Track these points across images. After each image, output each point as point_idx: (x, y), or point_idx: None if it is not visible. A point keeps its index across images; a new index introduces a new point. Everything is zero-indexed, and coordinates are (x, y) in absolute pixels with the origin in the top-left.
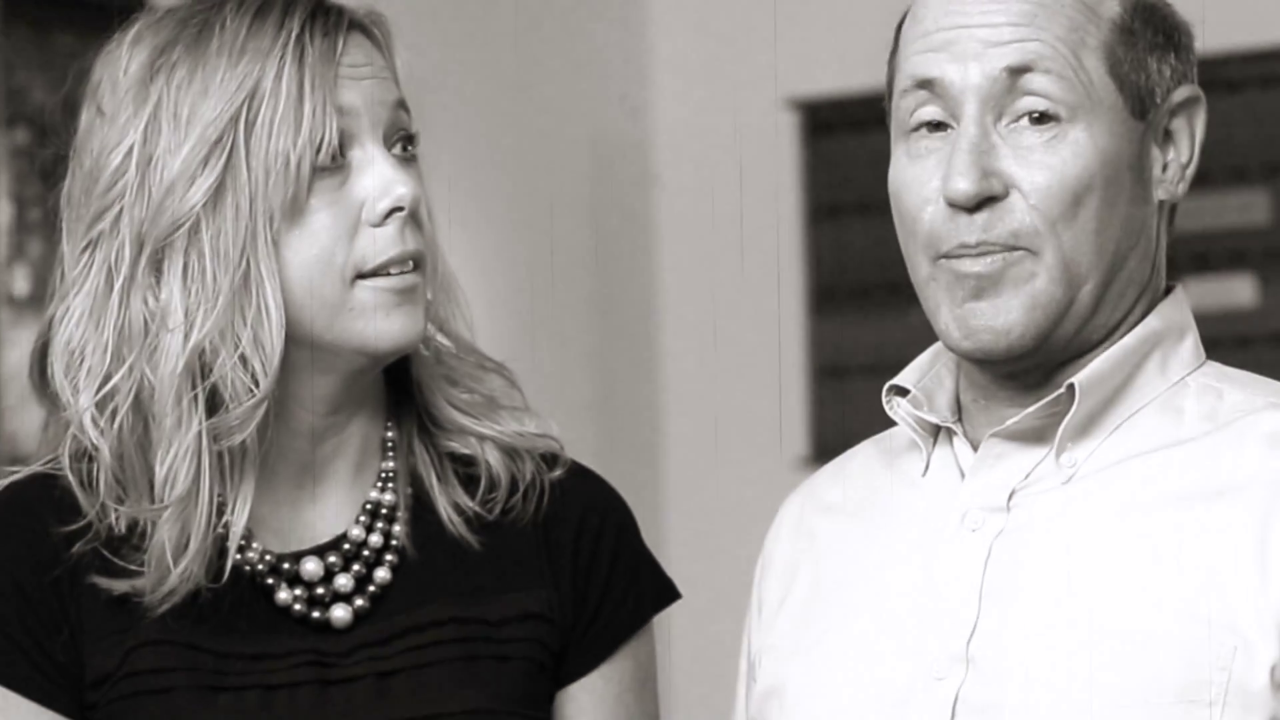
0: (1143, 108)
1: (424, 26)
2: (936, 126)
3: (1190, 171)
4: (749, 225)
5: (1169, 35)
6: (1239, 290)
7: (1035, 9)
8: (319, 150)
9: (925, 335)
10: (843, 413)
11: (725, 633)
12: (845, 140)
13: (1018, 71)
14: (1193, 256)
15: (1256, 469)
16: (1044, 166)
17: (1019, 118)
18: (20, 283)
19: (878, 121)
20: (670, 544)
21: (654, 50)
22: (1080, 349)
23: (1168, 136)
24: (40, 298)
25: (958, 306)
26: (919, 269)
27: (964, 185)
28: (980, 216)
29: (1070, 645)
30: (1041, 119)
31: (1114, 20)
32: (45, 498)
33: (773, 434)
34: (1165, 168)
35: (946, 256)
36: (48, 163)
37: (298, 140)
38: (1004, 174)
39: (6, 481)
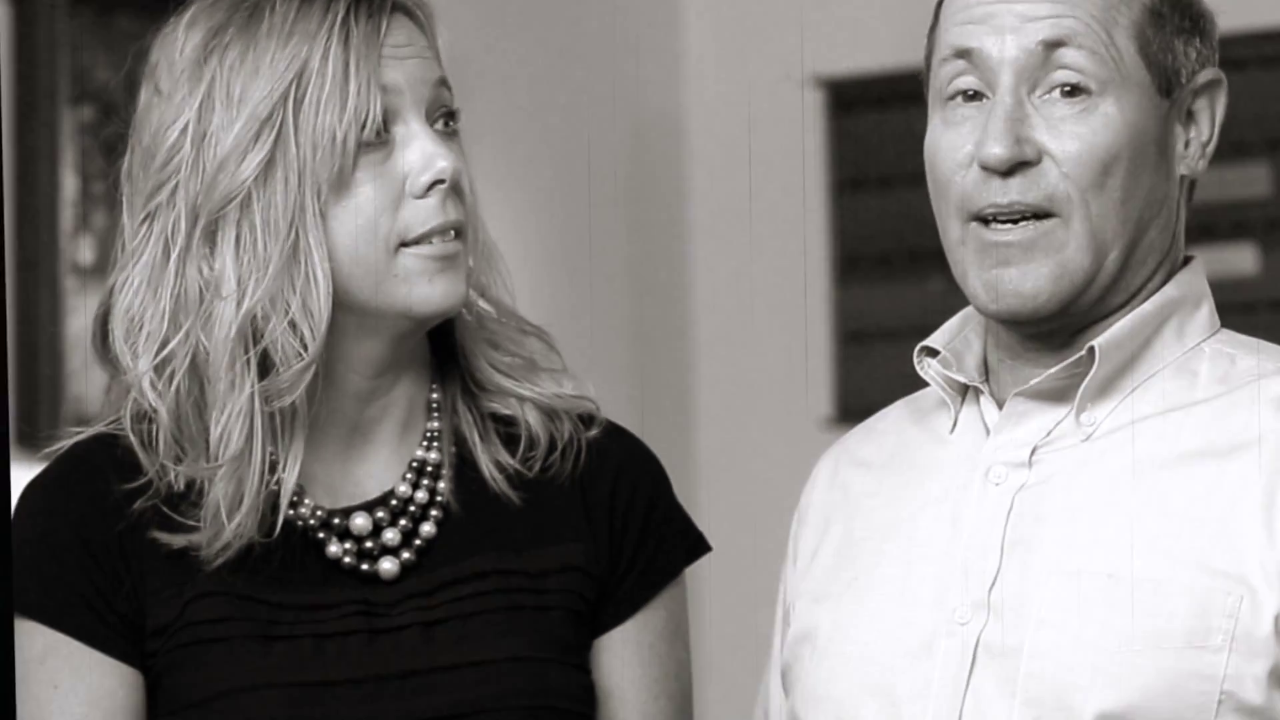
0: (1169, 87)
1: (467, 7)
2: (972, 96)
3: (1210, 149)
4: (776, 197)
5: (1195, 21)
6: (1241, 259)
7: None
8: (364, 126)
9: (943, 302)
10: (865, 375)
11: (754, 582)
12: (868, 116)
13: (1053, 45)
14: (1198, 227)
15: (1265, 430)
16: (1075, 136)
17: (1051, 89)
18: (85, 252)
19: (898, 98)
20: (701, 499)
21: (688, 31)
22: (1102, 312)
23: (1190, 116)
24: (104, 267)
25: (986, 271)
26: (950, 231)
27: (999, 150)
28: (1014, 181)
29: (1085, 594)
30: (1073, 92)
31: (1145, 3)
32: (108, 457)
33: (799, 395)
34: (1187, 145)
35: (979, 219)
36: (110, 139)
37: (343, 117)
38: (1036, 142)
39: (71, 441)
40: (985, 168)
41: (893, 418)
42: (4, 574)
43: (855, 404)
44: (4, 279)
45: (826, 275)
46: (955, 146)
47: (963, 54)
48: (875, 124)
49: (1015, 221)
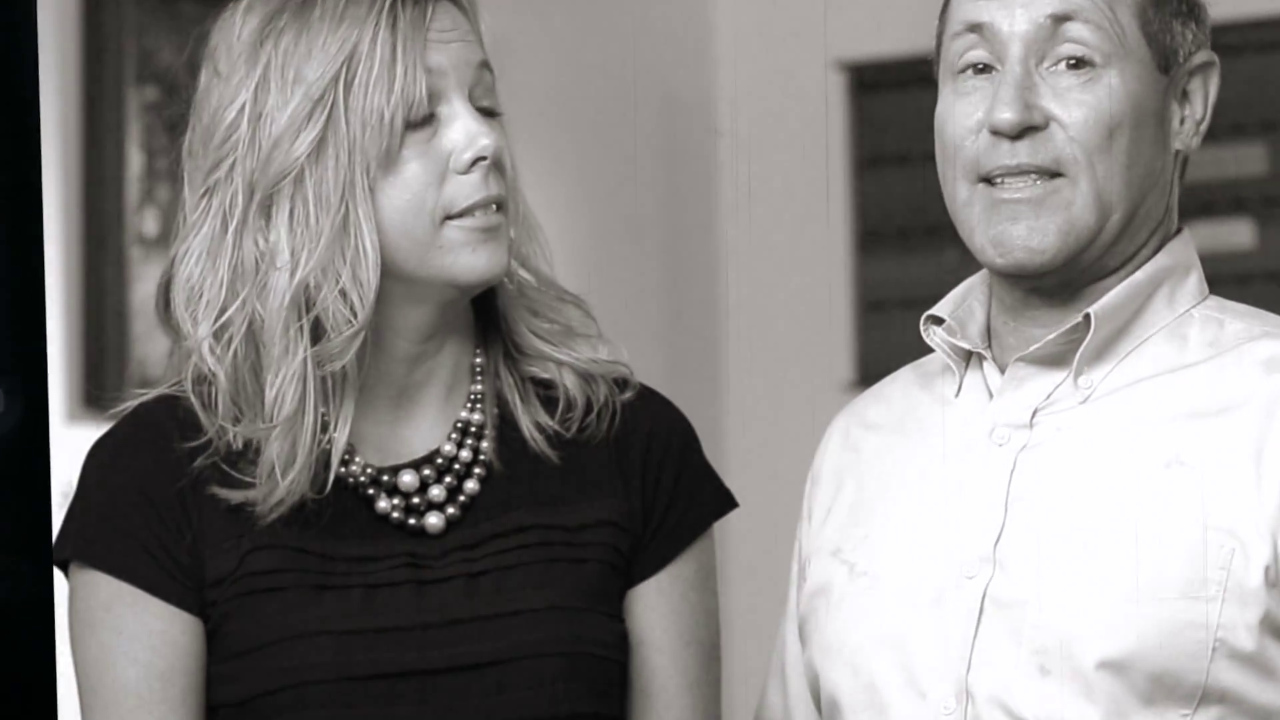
0: (1166, 64)
1: None
2: (982, 69)
3: (1204, 127)
4: (802, 174)
5: (1191, 5)
6: (1239, 233)
7: None
8: (410, 107)
9: (956, 273)
10: (883, 342)
11: (778, 537)
12: (887, 98)
13: (1060, 19)
14: (1198, 203)
15: (1253, 390)
16: (1080, 104)
17: (1058, 61)
18: (150, 224)
19: (916, 81)
20: (729, 458)
21: (718, 16)
22: (1101, 272)
23: (1185, 95)
24: (167, 238)
25: (994, 227)
26: (958, 193)
27: (1009, 115)
28: (1022, 144)
29: (1086, 547)
30: (1079, 64)
31: None
32: (170, 417)
33: (822, 360)
34: (1183, 121)
35: (987, 180)
36: (173, 117)
37: (391, 98)
38: (1044, 109)
39: (136, 403)
40: (995, 132)
41: (901, 382)
42: (44, 537)
43: (875, 369)
44: (42, 254)
45: (848, 248)
46: (966, 114)
47: (974, 28)
48: (894, 105)
49: (1025, 180)
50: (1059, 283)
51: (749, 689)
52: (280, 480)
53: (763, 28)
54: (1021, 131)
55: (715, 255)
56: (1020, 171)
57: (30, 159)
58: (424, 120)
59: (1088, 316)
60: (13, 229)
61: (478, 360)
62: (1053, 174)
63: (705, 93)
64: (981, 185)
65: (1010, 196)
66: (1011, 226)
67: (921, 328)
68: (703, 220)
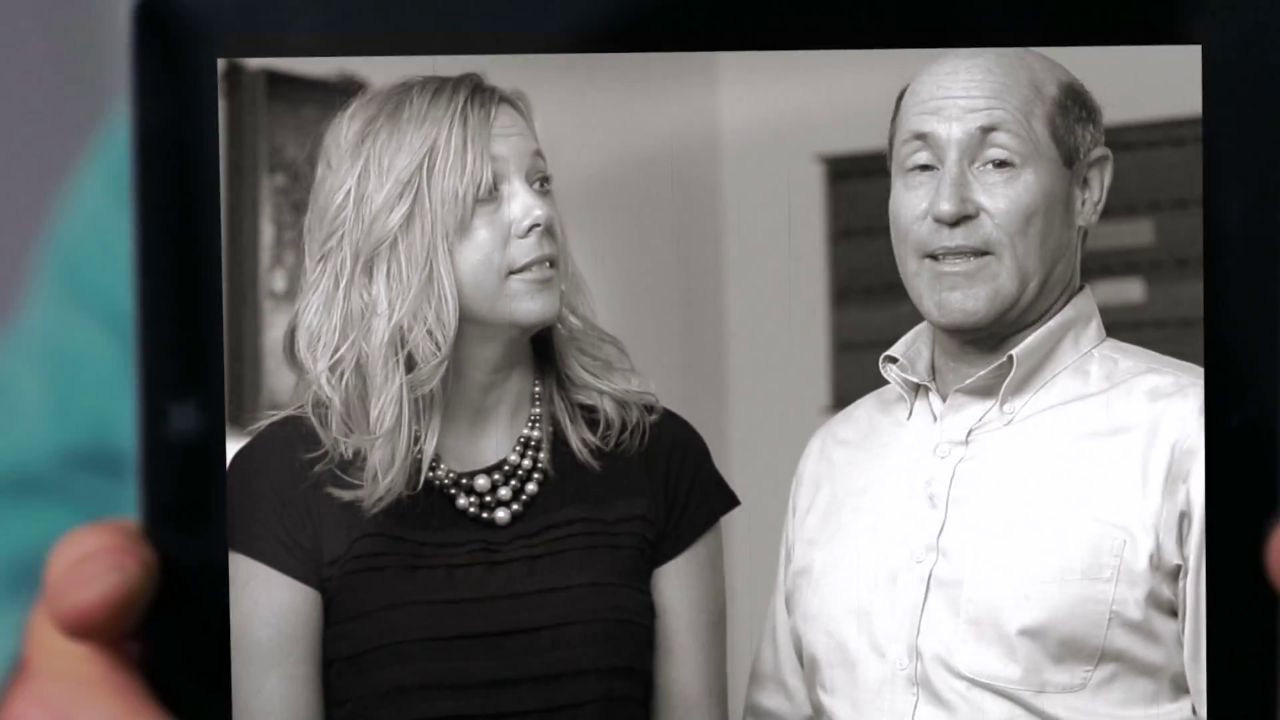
0: (1071, 160)
1: (554, 96)
2: (926, 168)
3: (1100, 207)
4: (793, 243)
5: (1089, 112)
6: (1131, 290)
7: (1000, 88)
8: (479, 187)
9: (909, 323)
10: (853, 375)
11: (768, 530)
12: (857, 184)
13: (987, 130)
14: (1098, 266)
15: (1140, 415)
16: (1004, 197)
17: (986, 163)
18: (279, 283)
19: (879, 171)
20: (732, 466)
21: (723, 113)
22: (1021, 325)
23: (1086, 182)
24: (291, 293)
25: (936, 295)
26: (908, 266)
27: (948, 207)
28: (959, 230)
29: (1010, 538)
30: (1002, 165)
31: (1054, 98)
32: (295, 433)
33: (805, 388)
34: (1084, 203)
35: (932, 257)
36: (296, 200)
37: (464, 180)
38: (975, 201)
39: (268, 422)
40: (937, 220)
41: (865, 407)
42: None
43: (846, 396)
44: (221, 302)
45: (826, 300)
46: (914, 204)
47: (920, 136)
48: (863, 189)
49: (961, 258)
50: (988, 335)
51: (747, 649)
52: (381, 482)
53: (759, 125)
54: (958, 220)
55: (721, 307)
56: (958, 251)
57: (211, 233)
58: (490, 196)
59: (1010, 357)
60: (192, 281)
61: (537, 389)
62: (982, 253)
63: (713, 183)
64: (927, 260)
65: (949, 270)
66: (950, 294)
67: (880, 365)
68: (711, 281)
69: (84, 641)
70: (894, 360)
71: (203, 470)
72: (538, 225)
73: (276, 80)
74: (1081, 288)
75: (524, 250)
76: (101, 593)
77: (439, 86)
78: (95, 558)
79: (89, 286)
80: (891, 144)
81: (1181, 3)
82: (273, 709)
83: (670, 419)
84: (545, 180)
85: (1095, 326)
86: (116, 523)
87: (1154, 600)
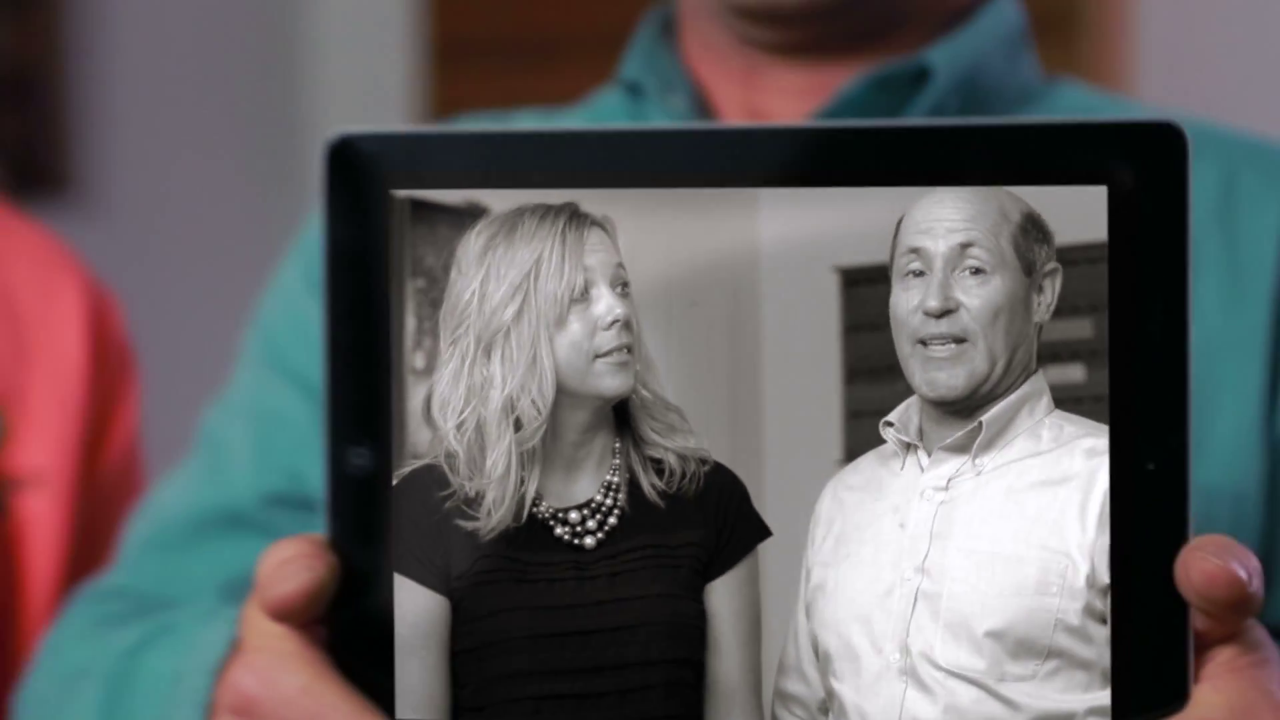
0: (1030, 270)
1: (633, 220)
2: (918, 274)
3: (1051, 308)
4: (815, 335)
5: (1044, 234)
6: (1074, 373)
7: (975, 214)
8: (573, 291)
9: (903, 396)
10: (860, 437)
11: (792, 556)
12: (865, 289)
13: (965, 245)
14: (1049, 354)
15: (1079, 468)
16: (978, 296)
17: (964, 270)
18: (419, 361)
19: (882, 278)
20: (765, 507)
21: (761, 238)
22: (991, 398)
23: (1041, 289)
24: (428, 370)
25: (926, 374)
26: (903, 350)
27: (935, 304)
28: (943, 321)
29: (978, 563)
30: (977, 271)
31: (1017, 223)
32: (431, 476)
33: (822, 447)
34: (1039, 305)
35: (922, 342)
36: (433, 298)
37: (561, 285)
38: (956, 299)
39: (409, 469)
40: (926, 313)
41: (868, 460)
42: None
43: (854, 453)
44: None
45: (840, 379)
46: (909, 302)
47: (914, 250)
48: (869, 293)
49: (944, 344)
50: (964, 406)
51: (776, 647)
52: (494, 515)
53: (788, 247)
54: (942, 313)
55: (758, 383)
56: (942, 338)
57: (379, 321)
58: (582, 297)
59: (980, 423)
60: (365, 358)
61: (616, 445)
62: (961, 339)
63: (753, 283)
64: (919, 345)
65: (936, 355)
66: (937, 373)
67: (880, 428)
68: (751, 364)
69: (283, 624)
70: (891, 424)
71: (371, 502)
72: (618, 320)
73: (419, 206)
74: (1036, 370)
75: (607, 340)
76: (298, 586)
77: (544, 212)
78: (294, 560)
79: (286, 359)
80: (892, 257)
81: (1095, 157)
82: (413, 687)
83: (719, 469)
84: (625, 285)
85: (1046, 400)
86: (311, 535)
87: (1089, 611)
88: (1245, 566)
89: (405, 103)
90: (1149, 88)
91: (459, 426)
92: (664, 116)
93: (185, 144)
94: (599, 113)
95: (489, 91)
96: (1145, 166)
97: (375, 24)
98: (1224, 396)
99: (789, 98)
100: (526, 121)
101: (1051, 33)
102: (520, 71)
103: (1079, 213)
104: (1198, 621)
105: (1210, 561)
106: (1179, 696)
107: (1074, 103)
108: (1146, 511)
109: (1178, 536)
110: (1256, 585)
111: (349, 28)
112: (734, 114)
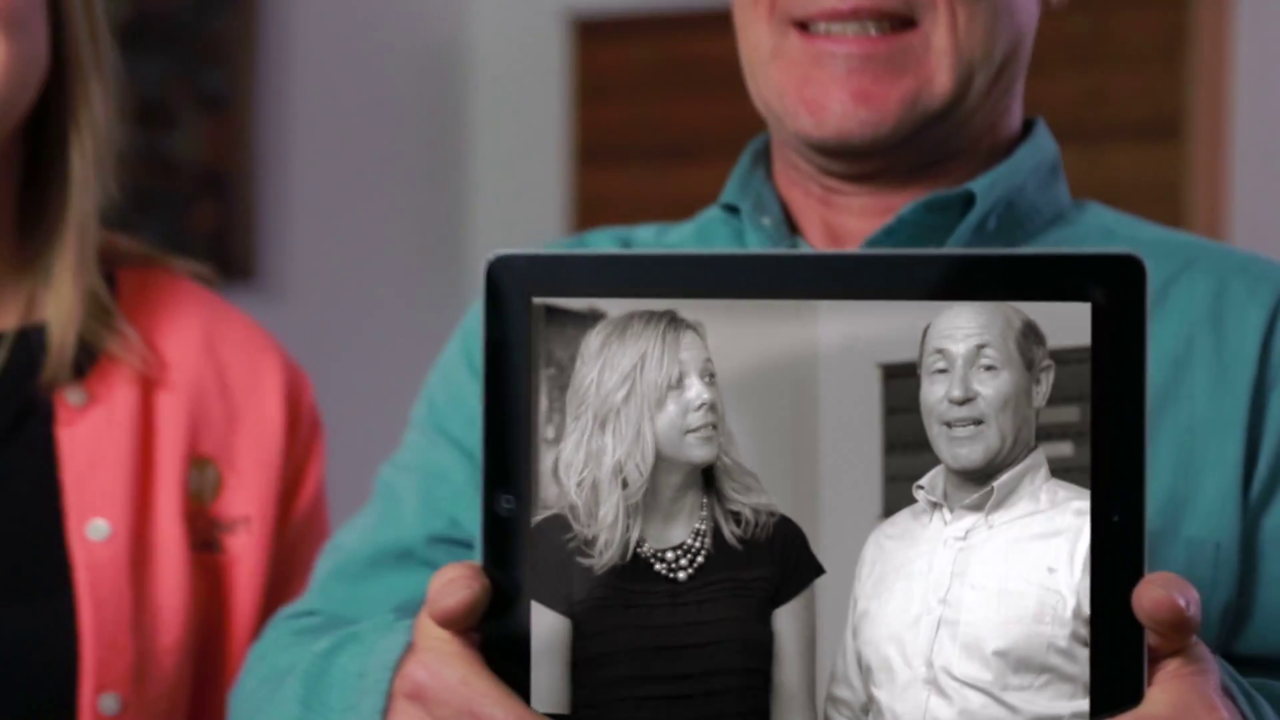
0: (1030, 367)
1: (720, 324)
2: (942, 371)
3: (1046, 398)
4: (858, 429)
5: (1040, 338)
6: (1064, 449)
7: (987, 322)
8: (670, 379)
9: (932, 465)
10: (897, 498)
11: (842, 590)
12: (901, 382)
13: (980, 347)
14: (1044, 434)
15: (1069, 524)
16: (991, 387)
17: (979, 367)
18: (550, 432)
19: (911, 374)
20: (821, 551)
21: (819, 342)
22: (1001, 469)
23: (1038, 381)
24: (556, 439)
25: (951, 450)
26: (932, 431)
27: (959, 394)
28: (965, 407)
29: (988, 597)
30: (989, 368)
31: (1019, 329)
32: (557, 524)
33: (865, 507)
34: (1038, 395)
35: (947, 424)
36: (560, 383)
37: (661, 375)
38: (973, 389)
39: (542, 516)
40: (951, 401)
41: (903, 515)
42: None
43: (893, 510)
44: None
45: (881, 453)
46: (936, 393)
47: (940, 351)
48: (906, 386)
49: (965, 426)
50: (981, 474)
51: (828, 660)
52: (606, 555)
53: (842, 346)
54: (963, 401)
55: (816, 444)
56: (963, 422)
57: (523, 399)
58: (678, 385)
59: (993, 488)
60: (511, 427)
61: (704, 501)
62: (979, 421)
63: (812, 376)
64: (944, 426)
65: (959, 435)
66: (960, 449)
67: (914, 491)
68: (810, 438)
69: (448, 630)
70: (921, 487)
71: (514, 540)
72: (705, 404)
73: (552, 310)
74: (1036, 446)
75: (696, 419)
76: (460, 600)
77: (649, 317)
78: (457, 580)
79: (447, 427)
80: (921, 356)
81: (1078, 281)
82: (544, 685)
83: (784, 520)
84: (712, 376)
85: (1044, 470)
86: (469, 562)
87: (1075, 636)
88: (1185, 596)
89: (554, 199)
90: (1244, 180)
91: (579, 484)
92: (756, 232)
93: (360, 236)
94: (703, 227)
95: (626, 189)
96: (1114, 289)
97: (529, 130)
98: (1209, 465)
99: (859, 217)
100: (643, 235)
101: (1165, 139)
102: (655, 171)
103: (1065, 323)
104: (1151, 639)
105: (1158, 591)
106: (1135, 698)
107: (1097, 222)
108: (1113, 554)
109: (1135, 573)
110: (1194, 611)
111: (506, 133)
112: (814, 230)
